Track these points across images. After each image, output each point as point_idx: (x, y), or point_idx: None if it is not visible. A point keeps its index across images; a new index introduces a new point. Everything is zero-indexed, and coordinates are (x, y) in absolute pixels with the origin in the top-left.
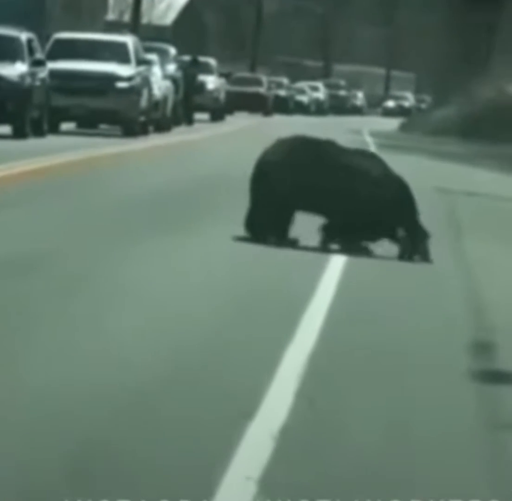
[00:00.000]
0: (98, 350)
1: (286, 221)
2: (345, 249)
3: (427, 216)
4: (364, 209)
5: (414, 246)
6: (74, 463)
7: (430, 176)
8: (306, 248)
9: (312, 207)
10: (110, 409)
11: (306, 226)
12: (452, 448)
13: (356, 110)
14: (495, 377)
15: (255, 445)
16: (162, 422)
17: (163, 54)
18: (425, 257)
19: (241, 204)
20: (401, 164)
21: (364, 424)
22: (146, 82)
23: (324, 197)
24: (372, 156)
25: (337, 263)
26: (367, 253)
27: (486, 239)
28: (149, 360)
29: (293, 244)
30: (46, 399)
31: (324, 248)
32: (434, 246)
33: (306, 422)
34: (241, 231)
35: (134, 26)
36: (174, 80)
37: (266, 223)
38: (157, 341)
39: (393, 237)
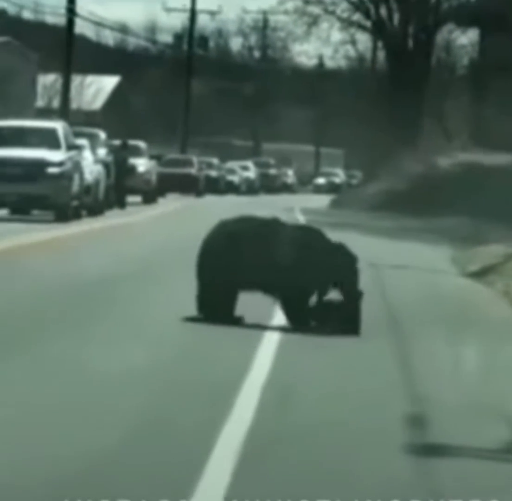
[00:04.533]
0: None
1: (231, 301)
2: (304, 327)
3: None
4: (310, 280)
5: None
6: None
7: (359, 251)
8: (251, 326)
9: (256, 286)
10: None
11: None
12: None
13: (287, 188)
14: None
15: None
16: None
17: (93, 139)
18: (355, 322)
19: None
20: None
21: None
22: (77, 166)
23: (269, 275)
24: (315, 232)
25: (271, 339)
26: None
27: (415, 307)
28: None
29: (238, 322)
30: None
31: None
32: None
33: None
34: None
35: (63, 112)
36: (105, 164)
37: (214, 304)
38: (98, 416)
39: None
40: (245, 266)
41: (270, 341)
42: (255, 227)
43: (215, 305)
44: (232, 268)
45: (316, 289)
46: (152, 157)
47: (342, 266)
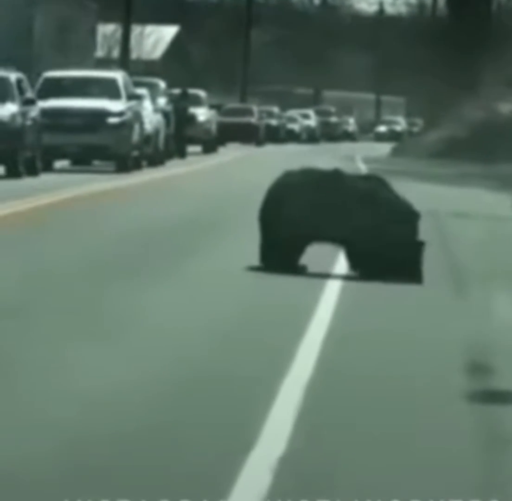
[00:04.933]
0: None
1: (296, 252)
2: (368, 276)
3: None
4: (379, 235)
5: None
6: None
7: (420, 199)
8: (314, 275)
9: (324, 237)
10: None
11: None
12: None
13: (348, 136)
14: (493, 397)
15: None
16: (161, 451)
17: (153, 89)
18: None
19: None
20: (394, 188)
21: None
22: (137, 116)
23: (337, 226)
24: (379, 181)
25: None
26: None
27: (478, 257)
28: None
29: (302, 271)
30: None
31: (352, 274)
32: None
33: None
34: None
35: (123, 62)
36: (165, 113)
37: (277, 254)
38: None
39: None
40: (310, 217)
41: (333, 290)
42: (319, 178)
43: (279, 256)
44: (295, 219)
45: (379, 239)
46: (212, 106)
47: (404, 220)
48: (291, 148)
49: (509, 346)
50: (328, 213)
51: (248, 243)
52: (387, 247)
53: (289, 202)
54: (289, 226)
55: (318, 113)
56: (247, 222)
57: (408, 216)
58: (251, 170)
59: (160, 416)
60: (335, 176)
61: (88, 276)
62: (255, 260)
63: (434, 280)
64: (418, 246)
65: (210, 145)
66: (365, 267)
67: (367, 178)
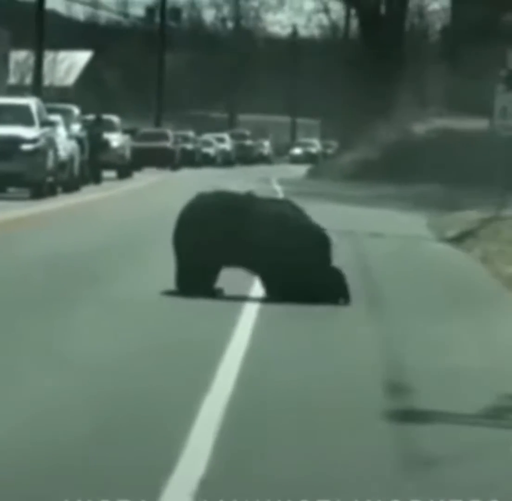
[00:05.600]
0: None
1: (212, 275)
2: (284, 298)
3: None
4: (288, 259)
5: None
6: None
7: (337, 220)
8: (232, 297)
9: (237, 262)
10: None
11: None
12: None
13: (263, 159)
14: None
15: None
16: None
17: (66, 115)
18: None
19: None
20: (308, 210)
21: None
22: (52, 143)
23: (248, 251)
24: (291, 205)
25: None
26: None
27: (395, 277)
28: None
29: (219, 294)
30: None
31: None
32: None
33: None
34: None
35: (36, 88)
36: (79, 139)
37: (192, 278)
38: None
39: (312, 281)
40: (222, 242)
41: (250, 313)
42: (231, 202)
43: (194, 279)
44: (207, 243)
45: (291, 265)
46: (125, 131)
47: (316, 245)
48: (206, 172)
49: (425, 366)
50: (239, 238)
51: (163, 267)
52: (298, 271)
53: (201, 225)
54: (202, 250)
55: (233, 136)
56: (162, 246)
57: (320, 241)
58: (165, 194)
59: (73, 448)
60: (247, 199)
61: None
62: (171, 285)
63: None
64: (334, 271)
65: (124, 170)
66: (280, 291)
67: (279, 201)
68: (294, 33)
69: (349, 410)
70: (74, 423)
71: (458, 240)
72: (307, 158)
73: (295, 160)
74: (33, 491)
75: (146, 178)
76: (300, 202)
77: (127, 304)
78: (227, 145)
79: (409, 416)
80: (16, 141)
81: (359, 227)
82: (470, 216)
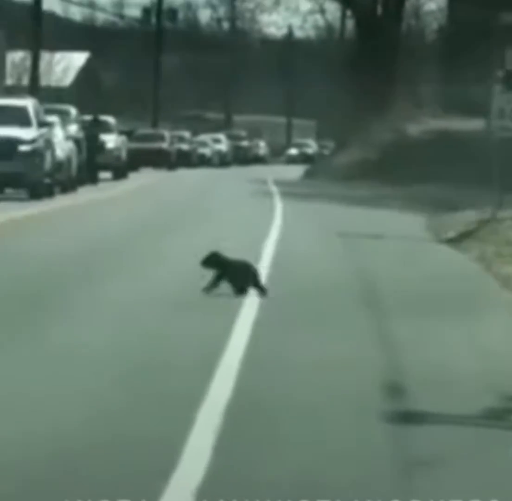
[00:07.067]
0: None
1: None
2: None
3: (333, 259)
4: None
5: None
6: None
7: (334, 221)
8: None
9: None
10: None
11: None
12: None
13: (259, 160)
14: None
15: None
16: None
17: (64, 116)
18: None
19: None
20: (306, 211)
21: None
22: (49, 144)
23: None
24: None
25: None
26: None
27: (394, 279)
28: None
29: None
30: None
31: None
32: None
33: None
34: None
35: (33, 89)
36: (76, 140)
37: None
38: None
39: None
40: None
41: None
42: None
43: None
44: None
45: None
46: (121, 132)
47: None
48: (202, 172)
49: (420, 365)
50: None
51: (162, 267)
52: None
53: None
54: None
55: (229, 137)
56: (159, 246)
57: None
58: (163, 194)
59: (69, 455)
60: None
61: None
62: (168, 284)
63: (349, 304)
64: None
65: (120, 171)
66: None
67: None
68: (290, 34)
69: (349, 410)
70: (74, 424)
71: (456, 241)
72: (303, 158)
73: (291, 160)
74: (33, 491)
75: (142, 179)
76: (297, 203)
77: (124, 304)
78: (223, 145)
79: (409, 416)
80: (14, 142)
81: (356, 228)
82: (467, 217)
